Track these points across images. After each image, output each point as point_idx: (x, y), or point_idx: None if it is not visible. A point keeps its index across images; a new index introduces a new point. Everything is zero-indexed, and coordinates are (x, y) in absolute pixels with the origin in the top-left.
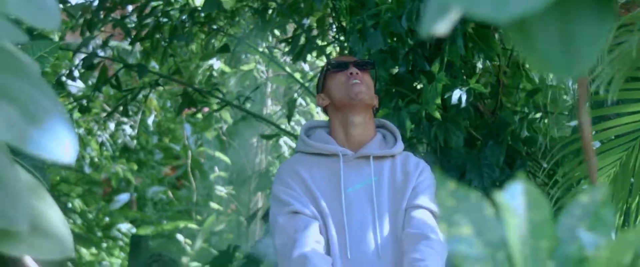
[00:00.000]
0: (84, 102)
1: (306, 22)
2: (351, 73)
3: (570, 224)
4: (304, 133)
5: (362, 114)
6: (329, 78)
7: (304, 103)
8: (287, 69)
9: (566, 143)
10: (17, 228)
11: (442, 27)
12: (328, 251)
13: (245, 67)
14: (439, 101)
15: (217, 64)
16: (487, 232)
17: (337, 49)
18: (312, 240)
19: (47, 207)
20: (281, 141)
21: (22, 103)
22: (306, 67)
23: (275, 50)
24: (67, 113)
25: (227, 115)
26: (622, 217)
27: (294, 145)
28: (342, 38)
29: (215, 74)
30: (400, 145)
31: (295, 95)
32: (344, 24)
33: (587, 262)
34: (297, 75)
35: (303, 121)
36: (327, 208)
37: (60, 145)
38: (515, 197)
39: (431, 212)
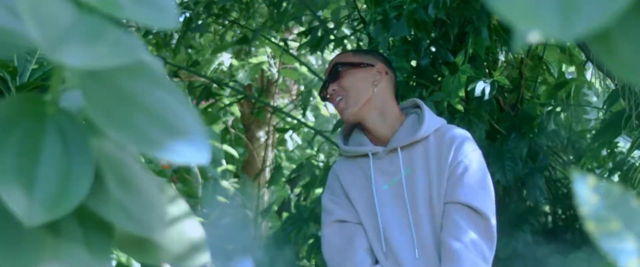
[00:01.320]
0: None
1: (320, 14)
2: (330, 94)
3: None
4: (342, 136)
5: (368, 118)
6: None
7: (311, 97)
8: (300, 61)
9: (595, 135)
10: (155, 235)
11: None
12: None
13: (254, 60)
14: (462, 93)
15: (227, 59)
16: (637, 224)
17: (355, 40)
18: (361, 251)
19: (180, 212)
20: (287, 136)
21: (157, 112)
22: (313, 59)
23: (290, 43)
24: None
25: (235, 109)
26: None
27: (299, 141)
28: (360, 30)
29: (224, 68)
30: (427, 125)
31: (302, 88)
32: (363, 15)
33: None
34: (304, 69)
35: (309, 115)
36: (361, 211)
37: (195, 149)
38: None
39: (470, 206)
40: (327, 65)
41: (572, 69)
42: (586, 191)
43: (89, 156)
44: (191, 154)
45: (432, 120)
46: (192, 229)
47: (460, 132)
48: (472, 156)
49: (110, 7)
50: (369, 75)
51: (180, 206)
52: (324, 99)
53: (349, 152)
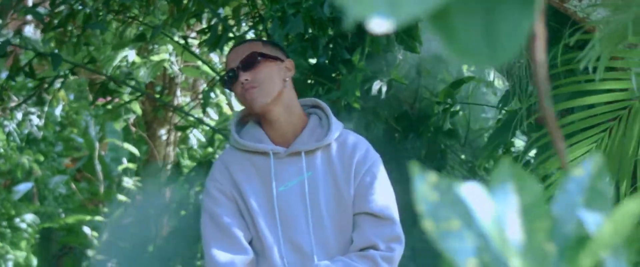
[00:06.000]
0: None
1: (221, 11)
2: (242, 83)
3: (566, 201)
4: (235, 126)
5: (273, 110)
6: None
7: (213, 95)
8: (201, 60)
9: (492, 135)
10: None
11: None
12: (261, 249)
13: (155, 58)
14: (358, 92)
15: (132, 54)
16: (476, 223)
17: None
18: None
19: None
20: (190, 134)
21: None
22: (215, 57)
23: (191, 40)
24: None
25: (136, 107)
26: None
27: (203, 138)
28: (260, 27)
29: (126, 64)
30: (333, 132)
31: (204, 87)
32: (262, 12)
33: (588, 240)
34: (206, 67)
35: (212, 113)
36: (258, 208)
37: None
38: (503, 181)
39: (376, 215)
40: (231, 53)
41: (474, 67)
42: (425, 187)
43: None
44: None
45: (336, 126)
46: None
47: (361, 139)
48: (376, 164)
49: None
50: (280, 69)
51: None
52: (228, 86)
53: (246, 147)
